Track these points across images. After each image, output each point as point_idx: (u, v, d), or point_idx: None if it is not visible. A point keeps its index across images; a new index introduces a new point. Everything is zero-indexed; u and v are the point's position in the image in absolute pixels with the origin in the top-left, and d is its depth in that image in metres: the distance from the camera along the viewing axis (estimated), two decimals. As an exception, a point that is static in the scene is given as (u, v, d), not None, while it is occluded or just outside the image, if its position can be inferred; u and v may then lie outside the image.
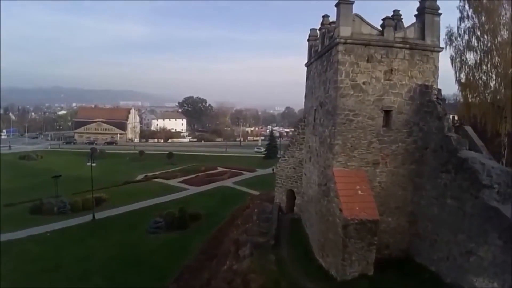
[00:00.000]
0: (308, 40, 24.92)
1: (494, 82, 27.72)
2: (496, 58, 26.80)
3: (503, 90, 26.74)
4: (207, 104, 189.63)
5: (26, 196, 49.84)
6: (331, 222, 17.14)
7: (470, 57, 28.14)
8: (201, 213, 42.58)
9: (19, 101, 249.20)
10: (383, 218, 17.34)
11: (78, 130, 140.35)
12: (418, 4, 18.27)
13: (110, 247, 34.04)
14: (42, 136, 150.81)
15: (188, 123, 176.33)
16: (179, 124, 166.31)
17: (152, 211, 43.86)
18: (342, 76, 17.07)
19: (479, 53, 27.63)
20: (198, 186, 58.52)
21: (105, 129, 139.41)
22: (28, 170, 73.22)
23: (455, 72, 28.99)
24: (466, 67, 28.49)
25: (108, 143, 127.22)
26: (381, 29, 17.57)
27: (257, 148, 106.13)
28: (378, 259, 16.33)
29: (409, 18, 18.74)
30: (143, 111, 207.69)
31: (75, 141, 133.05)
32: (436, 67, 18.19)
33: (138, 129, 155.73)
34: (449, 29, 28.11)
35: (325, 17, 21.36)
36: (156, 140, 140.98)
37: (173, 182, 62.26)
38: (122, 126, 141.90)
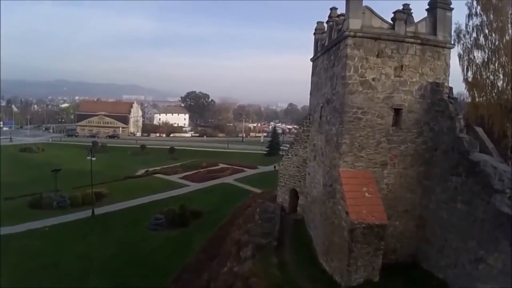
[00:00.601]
0: (314, 34, 24.01)
1: (501, 82, 27.24)
2: (504, 57, 26.28)
3: (510, 91, 26.14)
4: (210, 99, 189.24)
5: (26, 190, 49.37)
6: (337, 225, 16.44)
7: (478, 55, 27.70)
8: (202, 211, 42.17)
9: (22, 93, 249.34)
10: (390, 222, 16.59)
11: (80, 123, 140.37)
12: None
13: (110, 244, 33.59)
14: (43, 129, 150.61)
15: (190, 118, 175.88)
16: (181, 119, 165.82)
17: (152, 207, 43.48)
18: (351, 71, 16.28)
19: (486, 51, 27.18)
20: (199, 182, 58.24)
21: (107, 123, 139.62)
22: (29, 163, 72.80)
23: (463, 71, 28.50)
24: (474, 65, 28.04)
25: (110, 137, 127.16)
26: (391, 22, 16.78)
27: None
28: (384, 264, 15.65)
29: (417, 14, 18.05)
30: (145, 105, 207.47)
31: (77, 134, 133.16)
32: (448, 65, 17.46)
33: (140, 123, 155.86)
34: (457, 26, 27.39)
35: (333, 9, 20.40)
36: (158, 134, 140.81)
37: (174, 178, 62.05)
38: (124, 120, 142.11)
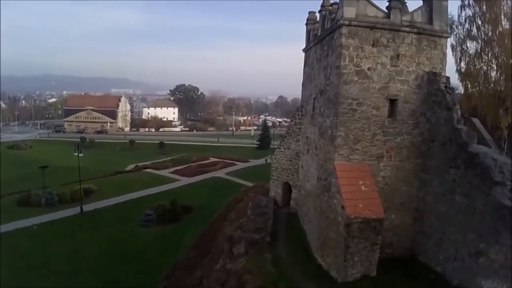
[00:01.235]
0: (306, 24, 23.41)
1: (494, 72, 27.29)
2: (497, 48, 26.41)
3: (504, 81, 26.08)
4: (199, 93, 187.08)
5: (15, 187, 48.34)
6: (332, 220, 16.03)
7: (471, 46, 27.81)
8: (193, 205, 41.43)
9: (10, 89, 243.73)
10: (387, 215, 16.21)
11: (67, 119, 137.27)
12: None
13: (100, 241, 32.84)
14: (30, 125, 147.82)
15: (180, 112, 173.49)
16: (170, 113, 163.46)
17: (142, 203, 42.55)
18: (346, 61, 15.77)
19: (479, 42, 27.28)
20: (190, 176, 57.28)
21: (95, 118, 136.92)
22: (17, 160, 71.47)
23: (455, 61, 28.53)
24: (467, 56, 28.15)
25: (98, 132, 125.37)
26: (387, 11, 16.28)
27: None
28: (380, 258, 15.35)
29: (411, 3, 17.66)
30: (134, 99, 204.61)
31: (64, 130, 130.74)
32: (444, 54, 17.06)
33: (128, 118, 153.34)
34: (450, 17, 27.25)
35: (326, -2, 19.86)
36: (147, 129, 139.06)
37: (164, 172, 61.06)
38: (113, 115, 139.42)
